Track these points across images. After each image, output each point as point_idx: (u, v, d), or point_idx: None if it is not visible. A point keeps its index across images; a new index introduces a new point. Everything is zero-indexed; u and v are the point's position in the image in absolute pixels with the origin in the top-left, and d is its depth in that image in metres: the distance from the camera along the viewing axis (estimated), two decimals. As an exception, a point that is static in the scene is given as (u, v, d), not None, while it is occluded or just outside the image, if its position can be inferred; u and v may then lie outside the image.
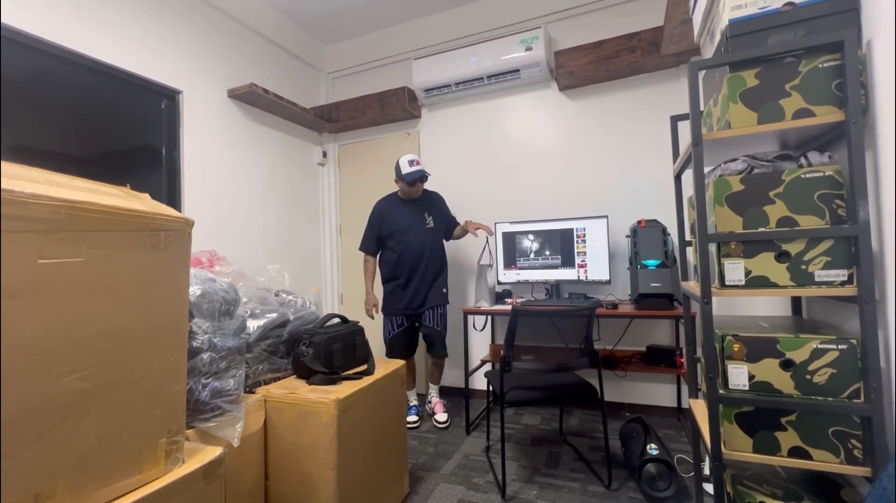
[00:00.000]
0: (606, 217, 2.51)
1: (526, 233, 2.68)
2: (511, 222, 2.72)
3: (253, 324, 1.53)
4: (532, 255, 2.66)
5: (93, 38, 2.07)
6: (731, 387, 1.08)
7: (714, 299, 1.09)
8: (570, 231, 2.58)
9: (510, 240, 2.71)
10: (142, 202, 1.05)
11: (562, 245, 2.60)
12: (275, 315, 1.61)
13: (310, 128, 3.45)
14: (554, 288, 2.62)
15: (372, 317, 2.62)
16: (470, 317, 2.71)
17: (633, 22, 2.62)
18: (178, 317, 1.04)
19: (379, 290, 2.69)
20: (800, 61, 1.03)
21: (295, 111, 3.09)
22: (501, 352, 1.94)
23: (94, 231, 0.87)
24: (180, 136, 2.47)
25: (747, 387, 1.07)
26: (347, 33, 3.44)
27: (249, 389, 1.47)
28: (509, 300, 2.60)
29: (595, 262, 2.52)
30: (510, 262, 2.70)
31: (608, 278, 2.49)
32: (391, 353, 2.56)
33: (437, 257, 2.61)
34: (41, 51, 1.92)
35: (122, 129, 2.25)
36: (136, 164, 2.31)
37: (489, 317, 2.91)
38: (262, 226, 2.97)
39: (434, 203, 2.67)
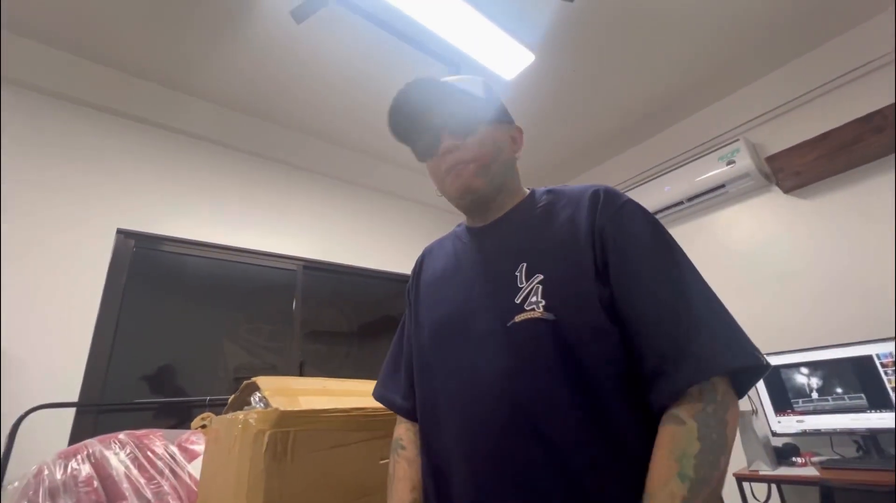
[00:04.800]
0: (926, 335, 1.84)
1: (795, 365, 2.13)
2: (768, 353, 2.23)
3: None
4: (815, 395, 2.05)
5: (360, 254, 2.93)
6: None
7: None
8: (869, 359, 1.94)
9: (774, 375, 2.18)
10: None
11: (860, 379, 1.95)
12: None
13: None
14: (869, 441, 1.90)
15: None
16: (745, 485, 2.11)
17: (859, 104, 2.22)
18: None
19: None
20: None
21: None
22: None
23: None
24: (411, 308, 3.09)
25: None
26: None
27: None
28: (800, 460, 1.98)
29: (932, 402, 1.79)
30: (783, 407, 2.13)
31: (969, 426, 1.70)
32: None
33: (567, 426, 0.57)
34: (333, 271, 2.78)
35: (373, 308, 3.02)
36: (381, 331, 3.03)
37: (772, 485, 2.22)
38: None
39: (560, 229, 0.68)
